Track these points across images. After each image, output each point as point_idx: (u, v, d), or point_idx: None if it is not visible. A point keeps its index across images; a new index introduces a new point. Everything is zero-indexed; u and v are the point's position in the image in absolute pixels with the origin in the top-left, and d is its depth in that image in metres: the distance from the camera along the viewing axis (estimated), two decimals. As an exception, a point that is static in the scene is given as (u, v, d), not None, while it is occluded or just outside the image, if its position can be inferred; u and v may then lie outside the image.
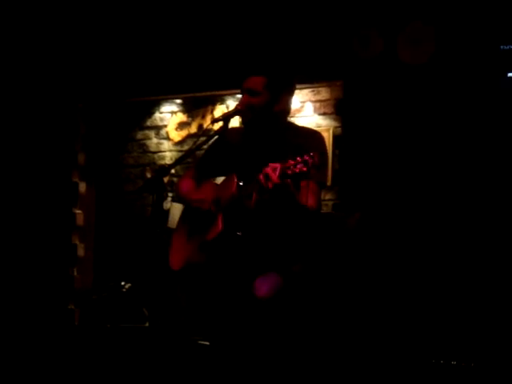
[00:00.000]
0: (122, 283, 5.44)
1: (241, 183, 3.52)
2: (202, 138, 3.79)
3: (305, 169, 3.24)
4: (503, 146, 4.69)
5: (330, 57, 5.26)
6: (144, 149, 6.40)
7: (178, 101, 6.27)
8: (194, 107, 6.20)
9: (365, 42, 5.10)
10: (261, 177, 3.33)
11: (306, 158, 3.24)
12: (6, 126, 6.30)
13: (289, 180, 3.30)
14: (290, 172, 3.26)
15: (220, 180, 3.80)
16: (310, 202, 3.50)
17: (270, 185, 3.30)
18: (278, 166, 3.29)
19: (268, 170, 3.32)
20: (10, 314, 5.90)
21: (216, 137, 3.78)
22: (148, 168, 6.33)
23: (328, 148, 4.13)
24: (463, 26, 4.83)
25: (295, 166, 3.25)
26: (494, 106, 4.73)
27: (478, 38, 4.78)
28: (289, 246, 3.63)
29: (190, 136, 6.19)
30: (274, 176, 3.29)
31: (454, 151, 4.82)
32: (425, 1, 4.97)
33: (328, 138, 5.31)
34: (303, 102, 5.61)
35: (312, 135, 3.74)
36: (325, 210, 5.33)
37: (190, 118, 6.22)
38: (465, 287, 4.65)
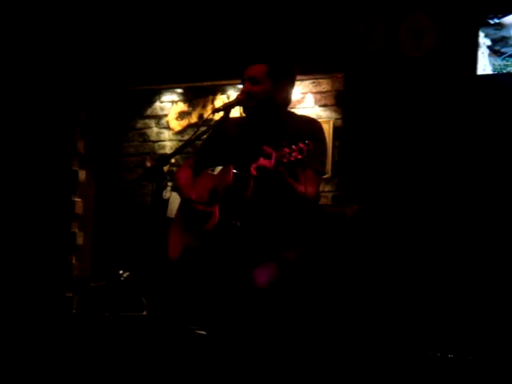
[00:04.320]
0: (121, 272, 5.44)
1: (237, 173, 3.52)
2: (203, 128, 3.79)
3: (300, 156, 3.23)
4: (504, 140, 4.70)
5: (330, 49, 5.26)
6: (144, 138, 6.39)
7: (179, 90, 6.26)
8: (195, 97, 6.20)
9: (367, 34, 5.09)
10: (256, 165, 3.34)
11: (302, 145, 3.24)
12: (5, 114, 6.30)
13: (282, 168, 3.30)
14: (285, 160, 3.26)
15: (218, 170, 3.80)
16: (308, 190, 3.50)
17: (265, 173, 3.30)
18: (272, 152, 3.30)
19: (262, 160, 3.33)
20: (7, 301, 5.90)
21: (215, 126, 3.78)
22: (148, 157, 6.33)
23: (328, 140, 4.16)
24: (465, 17, 4.83)
25: (290, 154, 3.24)
26: (495, 99, 4.74)
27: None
28: (286, 235, 3.63)
29: (190, 126, 6.19)
30: (269, 164, 3.29)
31: (454, 144, 4.83)
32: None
33: (328, 129, 5.31)
34: (304, 94, 5.62)
35: (309, 123, 3.75)
36: (324, 201, 5.34)
37: (190, 108, 6.22)
38: (463, 280, 4.66)
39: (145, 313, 5.23)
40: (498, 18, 4.72)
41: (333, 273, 4.66)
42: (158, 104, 6.37)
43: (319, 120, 5.03)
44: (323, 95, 5.59)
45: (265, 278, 3.53)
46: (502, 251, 4.60)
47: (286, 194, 3.49)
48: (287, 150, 3.26)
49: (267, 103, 3.67)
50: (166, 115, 6.32)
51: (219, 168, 3.75)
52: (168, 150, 6.21)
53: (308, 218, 3.73)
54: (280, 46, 5.19)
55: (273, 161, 3.29)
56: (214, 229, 3.56)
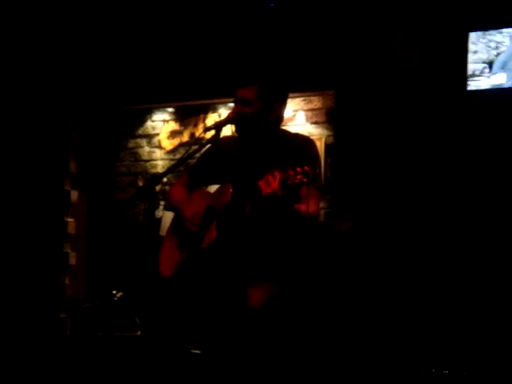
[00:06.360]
0: (114, 292, 5.43)
1: (235, 192, 3.53)
2: (194, 147, 3.79)
3: (305, 180, 3.25)
4: (497, 154, 4.72)
5: (321, 66, 5.28)
6: (136, 157, 6.39)
7: (170, 109, 6.27)
8: (186, 116, 6.21)
9: (358, 51, 5.12)
10: (261, 184, 3.34)
11: (307, 169, 3.25)
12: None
13: (285, 191, 3.31)
14: (289, 182, 3.27)
15: (212, 188, 3.80)
16: (312, 207, 3.52)
17: (270, 191, 3.31)
18: (277, 175, 3.30)
19: (269, 177, 3.33)
20: (1, 322, 5.88)
21: (209, 145, 3.79)
22: (140, 176, 6.33)
23: (320, 157, 4.15)
24: (455, 33, 4.86)
25: (295, 176, 3.26)
26: (486, 114, 4.76)
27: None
28: (282, 254, 3.63)
29: (182, 144, 6.19)
30: (274, 184, 3.30)
31: (446, 160, 4.84)
32: (414, 10, 5.00)
33: (320, 146, 5.32)
34: (295, 111, 5.63)
35: (305, 143, 3.75)
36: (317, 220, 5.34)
37: (182, 127, 6.22)
38: (455, 296, 4.66)
39: (139, 332, 5.21)
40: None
41: (327, 289, 4.66)
42: (149, 123, 6.38)
43: (311, 137, 5.07)
44: (314, 112, 5.61)
45: (258, 297, 3.53)
46: (494, 267, 4.61)
47: (284, 213, 3.50)
48: (292, 172, 3.27)
49: (259, 124, 3.68)
50: (157, 134, 6.32)
51: (213, 187, 3.76)
52: (160, 169, 6.21)
53: (305, 236, 3.74)
54: (271, 67, 5.21)
55: (277, 181, 3.30)
56: (210, 247, 3.56)
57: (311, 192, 3.50)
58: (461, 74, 4.81)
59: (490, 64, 4.77)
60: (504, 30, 4.74)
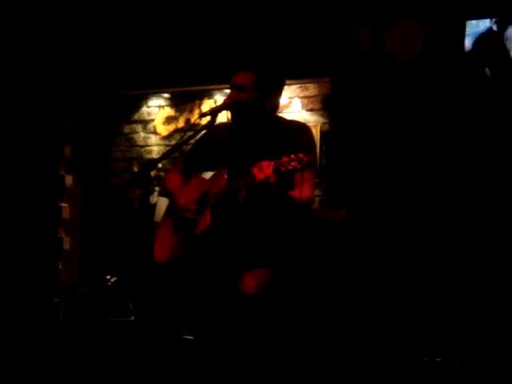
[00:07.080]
0: (108, 277, 5.42)
1: (230, 178, 3.53)
2: (190, 133, 3.79)
3: (299, 166, 3.26)
4: (490, 143, 4.72)
5: (317, 53, 5.27)
6: (131, 143, 6.38)
7: (166, 95, 6.26)
8: (182, 101, 6.20)
9: (354, 38, 5.11)
10: (255, 170, 3.34)
11: (301, 156, 3.26)
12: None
13: (279, 178, 3.32)
14: (283, 169, 3.28)
15: (207, 175, 3.80)
16: (306, 193, 3.53)
17: (263, 177, 3.31)
18: (271, 163, 3.31)
19: (262, 163, 3.33)
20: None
21: (204, 131, 3.78)
22: (135, 162, 6.32)
23: (316, 143, 4.17)
24: (452, 21, 4.85)
25: (289, 162, 3.26)
26: (481, 102, 4.75)
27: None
28: (277, 242, 3.64)
29: (177, 130, 6.18)
30: (268, 170, 3.30)
31: (440, 148, 4.84)
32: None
33: (315, 134, 5.31)
34: (291, 98, 5.62)
35: (300, 129, 3.76)
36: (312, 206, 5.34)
37: (177, 113, 6.21)
38: (449, 285, 4.67)
39: (132, 318, 5.21)
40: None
41: (322, 278, 4.66)
42: (144, 109, 6.37)
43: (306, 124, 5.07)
44: (310, 100, 5.60)
45: (253, 284, 3.54)
46: (488, 257, 4.61)
47: (277, 200, 3.51)
48: (286, 158, 3.27)
49: (255, 110, 3.68)
50: (152, 120, 6.31)
51: (208, 173, 3.76)
52: (155, 155, 6.20)
53: (299, 223, 3.74)
54: (267, 53, 5.20)
55: (271, 168, 3.30)
56: (204, 233, 3.56)
57: (306, 178, 3.51)
58: (457, 61, 4.80)
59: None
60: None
